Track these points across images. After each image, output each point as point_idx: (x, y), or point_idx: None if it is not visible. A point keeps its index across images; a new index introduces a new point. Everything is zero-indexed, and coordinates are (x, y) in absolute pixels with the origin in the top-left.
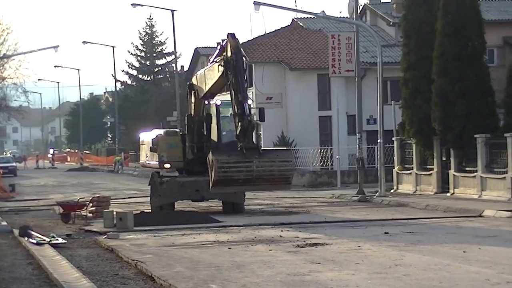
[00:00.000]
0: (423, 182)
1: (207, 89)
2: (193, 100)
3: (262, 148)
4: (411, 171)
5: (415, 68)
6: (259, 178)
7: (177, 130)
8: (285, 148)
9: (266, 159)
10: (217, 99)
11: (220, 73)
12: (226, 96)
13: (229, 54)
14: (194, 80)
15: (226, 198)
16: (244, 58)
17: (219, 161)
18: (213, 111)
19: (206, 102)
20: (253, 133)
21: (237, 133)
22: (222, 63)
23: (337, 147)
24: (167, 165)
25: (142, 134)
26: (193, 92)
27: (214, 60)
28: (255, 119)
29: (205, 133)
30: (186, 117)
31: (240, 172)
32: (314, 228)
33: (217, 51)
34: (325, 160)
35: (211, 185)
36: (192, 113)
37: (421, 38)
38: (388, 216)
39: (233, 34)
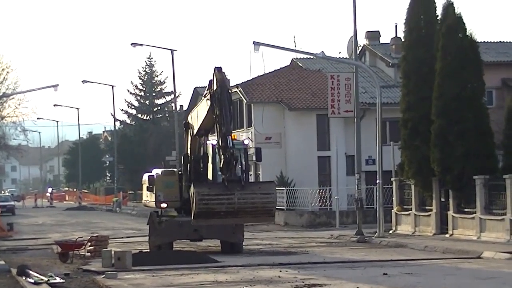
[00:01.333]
0: (422, 223)
1: (199, 125)
2: (188, 138)
3: (244, 180)
4: (410, 212)
5: (414, 109)
6: (241, 211)
7: (175, 169)
8: (268, 180)
9: (248, 191)
10: (213, 139)
11: (208, 107)
12: None
13: (214, 87)
14: (189, 119)
15: (225, 238)
16: (229, 92)
17: (200, 193)
18: (209, 151)
19: (202, 141)
20: (237, 166)
21: (220, 165)
22: (209, 97)
23: (336, 187)
24: (164, 205)
25: (145, 175)
26: (189, 130)
27: (204, 95)
28: (253, 159)
29: (202, 172)
30: (182, 156)
31: (222, 204)
32: (313, 268)
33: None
34: (324, 201)
35: (192, 217)
36: (188, 152)
37: (420, 79)
38: (387, 257)
39: (220, 68)
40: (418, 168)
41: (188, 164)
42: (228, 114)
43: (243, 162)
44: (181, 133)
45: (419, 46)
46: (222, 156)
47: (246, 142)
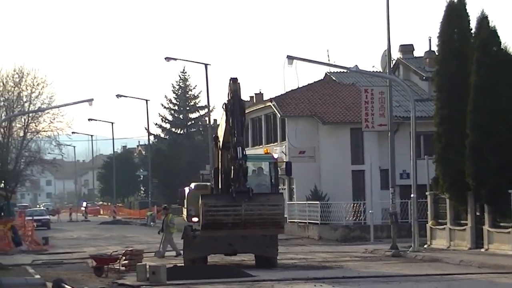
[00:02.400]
0: (457, 237)
1: (222, 137)
2: (218, 152)
3: (253, 192)
4: (444, 226)
5: (448, 122)
6: (249, 222)
7: (208, 183)
8: (277, 192)
9: (256, 203)
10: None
11: (225, 118)
12: (253, 150)
13: (228, 98)
14: (217, 132)
15: (259, 252)
16: (242, 103)
17: (207, 204)
18: None
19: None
20: (246, 176)
21: (232, 176)
22: (224, 108)
23: (370, 201)
24: (195, 219)
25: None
26: (217, 144)
27: (222, 107)
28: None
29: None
30: (212, 170)
31: (228, 215)
32: (347, 283)
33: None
34: (358, 215)
35: (200, 228)
36: (218, 165)
37: (454, 93)
38: (422, 272)
39: (235, 78)
40: (452, 182)
41: (218, 178)
42: (239, 124)
43: (272, 176)
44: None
45: (452, 60)
46: (232, 167)
47: (275, 155)
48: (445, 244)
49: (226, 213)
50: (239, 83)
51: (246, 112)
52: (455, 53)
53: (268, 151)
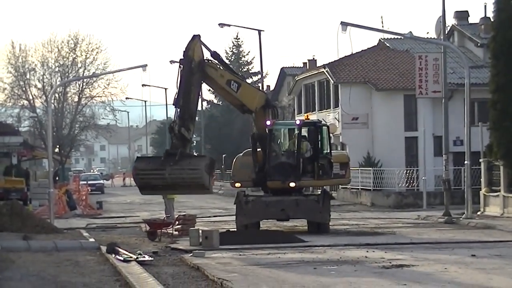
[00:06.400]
0: (510, 205)
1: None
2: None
3: (182, 154)
4: (498, 193)
5: (503, 90)
6: (175, 184)
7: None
8: (201, 155)
9: (178, 166)
10: (269, 120)
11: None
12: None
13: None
14: None
15: (311, 218)
16: (192, 63)
17: (136, 168)
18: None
19: (268, 122)
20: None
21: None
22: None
23: (423, 168)
24: (238, 184)
25: None
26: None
27: None
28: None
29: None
30: (250, 136)
31: (156, 179)
32: (399, 249)
33: None
34: (411, 181)
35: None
36: (255, 132)
37: (510, 60)
38: (475, 238)
39: (195, 35)
40: (507, 149)
41: (255, 143)
42: (183, 84)
43: (296, 141)
44: None
45: (509, 26)
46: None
47: (297, 122)
48: (499, 211)
49: (154, 177)
50: (199, 41)
51: (297, 78)
52: (511, 20)
53: (308, 117)
